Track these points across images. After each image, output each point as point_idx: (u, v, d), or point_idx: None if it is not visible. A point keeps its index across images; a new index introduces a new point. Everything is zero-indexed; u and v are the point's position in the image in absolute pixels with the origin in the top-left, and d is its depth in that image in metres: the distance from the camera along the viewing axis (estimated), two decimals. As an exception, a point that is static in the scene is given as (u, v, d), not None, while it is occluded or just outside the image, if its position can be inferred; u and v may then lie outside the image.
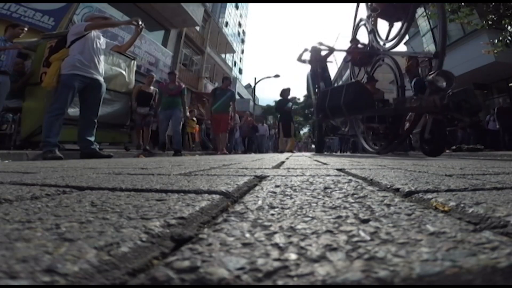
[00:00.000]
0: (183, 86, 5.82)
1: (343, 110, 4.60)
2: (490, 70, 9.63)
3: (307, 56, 6.88)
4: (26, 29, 3.96)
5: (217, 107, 6.56)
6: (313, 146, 14.66)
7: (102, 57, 3.36)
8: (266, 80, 22.19)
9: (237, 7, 31.56)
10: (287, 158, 2.65)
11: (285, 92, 8.48)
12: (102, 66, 3.35)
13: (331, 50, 6.61)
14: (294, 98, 9.21)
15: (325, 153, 8.62)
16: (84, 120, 3.23)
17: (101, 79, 3.29)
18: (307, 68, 6.83)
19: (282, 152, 7.91)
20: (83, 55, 3.07)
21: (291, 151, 8.15)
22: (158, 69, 11.72)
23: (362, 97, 4.51)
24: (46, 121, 2.94)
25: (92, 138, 3.24)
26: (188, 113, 5.88)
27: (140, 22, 3.33)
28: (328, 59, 6.76)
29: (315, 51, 6.58)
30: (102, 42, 3.36)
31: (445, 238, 0.25)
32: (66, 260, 0.20)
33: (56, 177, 0.82)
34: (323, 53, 6.65)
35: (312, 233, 0.27)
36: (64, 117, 3.11)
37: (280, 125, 8.52)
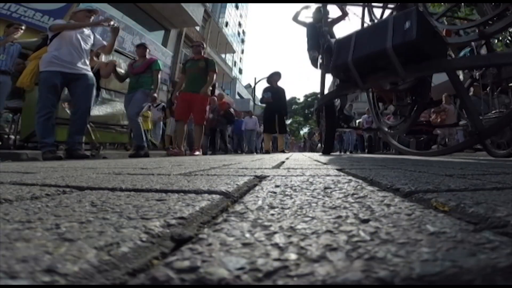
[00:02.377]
0: (155, 59, 4.28)
1: (393, 62, 2.36)
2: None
3: (306, 15, 5.13)
4: (23, 27, 3.91)
5: (188, 84, 4.50)
6: (319, 145, 10.84)
7: (86, 51, 3.19)
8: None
9: (237, 7, 31.57)
10: (287, 158, 2.65)
11: (272, 77, 6.71)
12: (86, 59, 3.19)
13: (344, 12, 4.66)
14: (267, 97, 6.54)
15: (341, 154, 6.92)
16: (72, 116, 3.16)
17: (86, 72, 3.15)
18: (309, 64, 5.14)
19: (267, 152, 6.44)
20: (60, 51, 2.99)
21: (283, 151, 6.56)
22: (158, 69, 11.72)
23: (431, 36, 2.46)
24: (37, 122, 2.89)
25: (79, 137, 3.11)
26: (155, 94, 3.99)
27: (112, 23, 3.19)
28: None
29: (321, 12, 4.70)
30: (86, 34, 3.21)
31: (445, 238, 0.25)
32: (66, 260, 0.20)
33: (56, 177, 0.82)
34: (332, 16, 4.78)
35: (312, 233, 0.27)
36: (56, 116, 3.05)
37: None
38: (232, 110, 7.71)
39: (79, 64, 3.12)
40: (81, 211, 0.37)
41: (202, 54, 4.79)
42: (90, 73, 3.22)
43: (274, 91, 6.51)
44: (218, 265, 0.20)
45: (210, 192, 0.52)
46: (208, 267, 0.19)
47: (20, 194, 0.51)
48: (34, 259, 0.20)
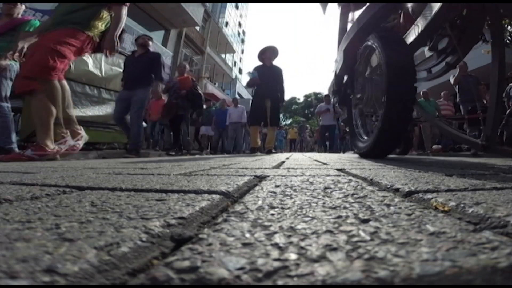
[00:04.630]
0: (28, 18, 2.87)
1: None
2: (490, 70, 9.54)
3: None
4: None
5: (60, 15, 2.36)
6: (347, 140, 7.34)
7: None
8: (266, 80, 22.12)
9: (237, 7, 31.61)
10: (287, 158, 2.65)
11: (263, 54, 4.95)
12: None
13: None
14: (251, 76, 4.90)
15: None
16: None
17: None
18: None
19: (254, 150, 5.06)
20: None
21: (271, 150, 4.98)
22: (158, 69, 11.71)
23: None
24: None
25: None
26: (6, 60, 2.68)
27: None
28: None
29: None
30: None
31: (445, 238, 0.25)
32: (66, 260, 0.20)
33: (56, 177, 0.82)
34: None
35: (312, 233, 0.27)
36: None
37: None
38: (199, 89, 5.11)
39: None
40: (81, 211, 0.37)
41: None
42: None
43: (264, 71, 4.84)
44: (218, 265, 0.20)
45: (210, 192, 0.52)
46: (208, 267, 0.19)
47: (20, 194, 0.51)
48: (34, 259, 0.20)
